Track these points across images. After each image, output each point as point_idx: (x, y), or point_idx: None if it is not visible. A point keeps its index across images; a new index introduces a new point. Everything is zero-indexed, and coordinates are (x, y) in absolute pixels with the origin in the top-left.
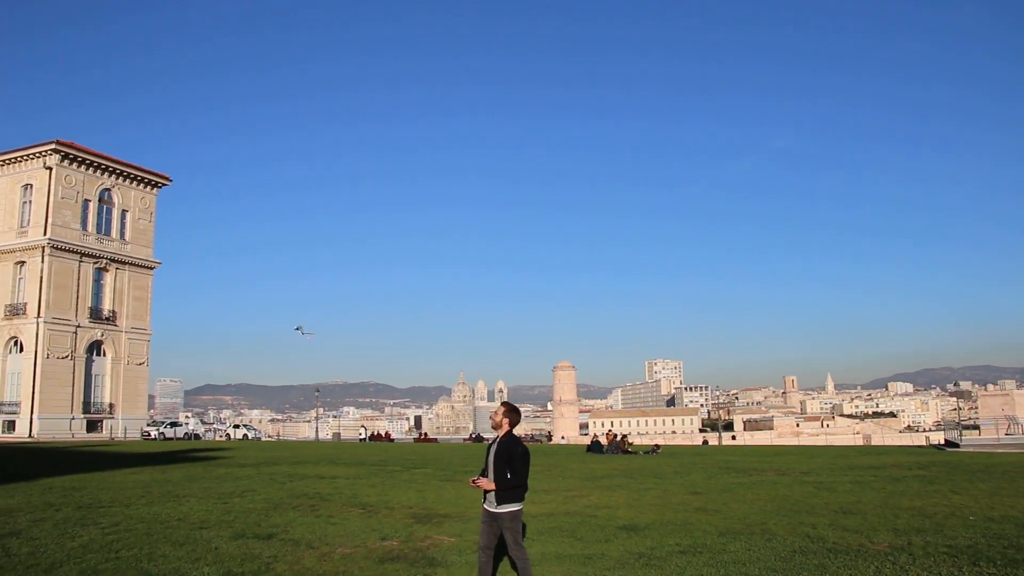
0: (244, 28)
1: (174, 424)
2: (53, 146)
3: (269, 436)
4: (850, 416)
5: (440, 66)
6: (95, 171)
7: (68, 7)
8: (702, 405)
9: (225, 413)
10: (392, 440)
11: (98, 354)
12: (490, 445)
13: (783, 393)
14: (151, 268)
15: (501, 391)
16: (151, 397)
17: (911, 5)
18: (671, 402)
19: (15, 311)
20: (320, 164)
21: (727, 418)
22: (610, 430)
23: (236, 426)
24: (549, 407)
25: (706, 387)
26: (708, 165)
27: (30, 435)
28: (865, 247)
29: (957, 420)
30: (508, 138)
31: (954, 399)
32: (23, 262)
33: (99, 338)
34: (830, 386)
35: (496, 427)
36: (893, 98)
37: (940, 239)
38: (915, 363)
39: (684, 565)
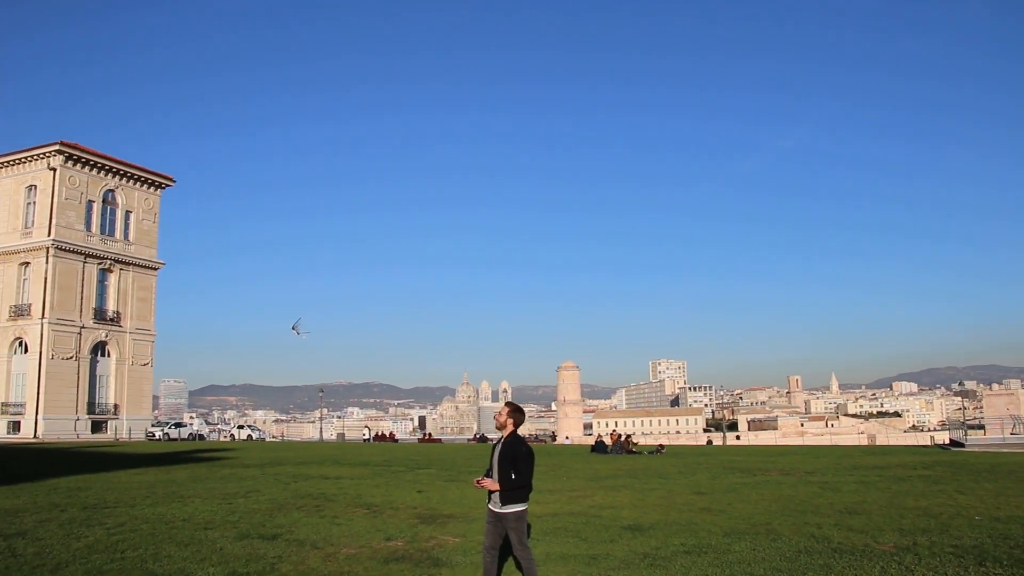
0: (244, 28)
1: (178, 425)
2: (57, 147)
3: (273, 437)
4: (854, 416)
5: (446, 64)
6: (99, 172)
7: (69, 6)
8: (706, 405)
9: (229, 414)
10: (396, 440)
11: (102, 355)
12: (494, 445)
13: (787, 393)
14: (155, 269)
15: (505, 391)
16: (155, 398)
17: (921, 3)
18: (675, 402)
19: (20, 312)
20: (324, 163)
21: (731, 418)
22: (614, 430)
23: (240, 427)
24: (553, 407)
25: (710, 387)
26: (714, 164)
27: (35, 436)
28: (869, 246)
29: (962, 420)
30: (512, 137)
31: (959, 399)
32: (27, 263)
33: (103, 339)
34: (834, 386)
35: (500, 427)
36: (900, 97)
37: (945, 238)
38: (920, 363)
39: (689, 565)
